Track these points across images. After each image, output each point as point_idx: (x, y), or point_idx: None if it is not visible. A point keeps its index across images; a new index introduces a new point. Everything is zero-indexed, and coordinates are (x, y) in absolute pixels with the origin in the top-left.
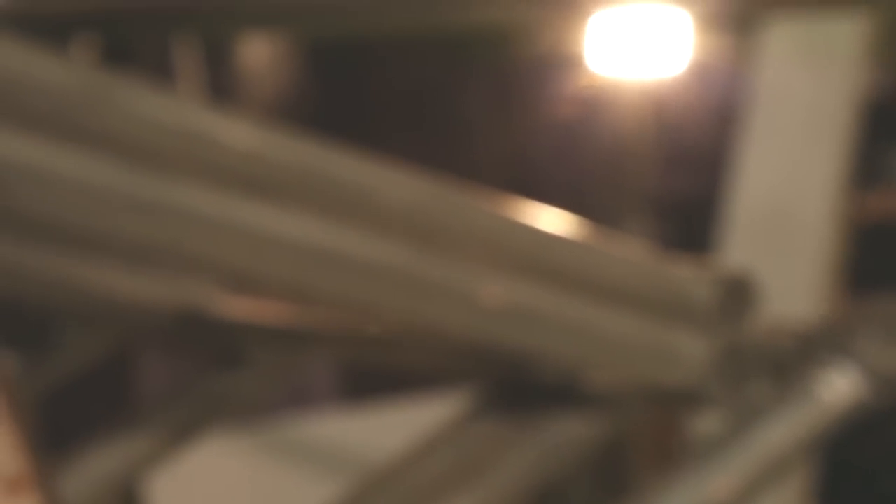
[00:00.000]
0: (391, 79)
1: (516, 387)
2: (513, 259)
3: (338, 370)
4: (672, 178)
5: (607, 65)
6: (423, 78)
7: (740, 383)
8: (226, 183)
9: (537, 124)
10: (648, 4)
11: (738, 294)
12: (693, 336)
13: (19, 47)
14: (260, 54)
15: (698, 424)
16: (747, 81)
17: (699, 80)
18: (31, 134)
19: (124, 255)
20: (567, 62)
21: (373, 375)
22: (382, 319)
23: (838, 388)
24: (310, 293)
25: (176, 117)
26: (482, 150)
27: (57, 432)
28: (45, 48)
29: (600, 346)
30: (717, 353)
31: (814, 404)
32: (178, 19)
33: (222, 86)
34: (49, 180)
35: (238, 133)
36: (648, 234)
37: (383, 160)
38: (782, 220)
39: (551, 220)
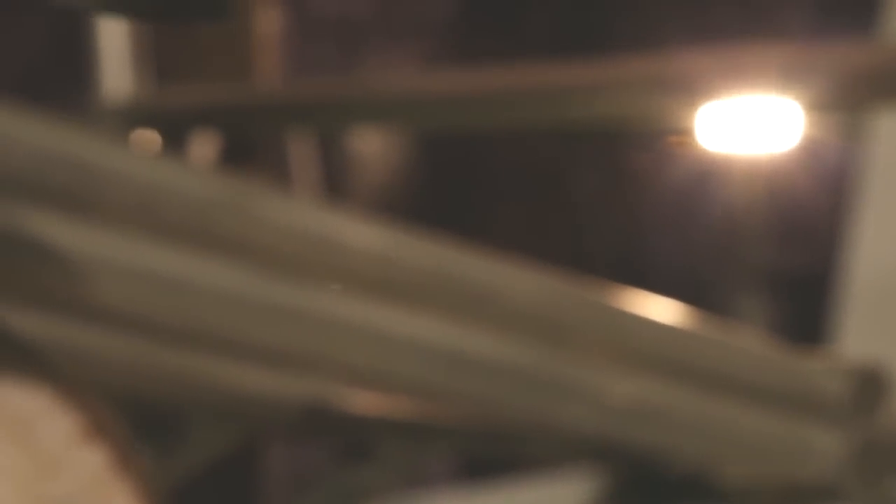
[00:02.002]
0: (501, 159)
1: (644, 480)
2: (641, 355)
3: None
4: (785, 254)
5: (719, 142)
6: (534, 158)
7: (877, 479)
8: (355, 286)
9: (650, 202)
10: (758, 96)
11: (870, 386)
12: (826, 430)
13: (153, 158)
14: (371, 139)
15: None
16: (859, 157)
17: (811, 155)
18: (167, 243)
19: (254, 354)
20: (678, 140)
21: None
22: (509, 416)
23: None
24: (438, 394)
25: (305, 222)
26: (595, 227)
27: None
28: (176, 157)
29: (731, 441)
30: (851, 447)
31: None
32: (293, 113)
33: (336, 173)
34: (184, 289)
35: (365, 236)
36: (762, 312)
37: (506, 256)
38: None
39: (674, 313)
